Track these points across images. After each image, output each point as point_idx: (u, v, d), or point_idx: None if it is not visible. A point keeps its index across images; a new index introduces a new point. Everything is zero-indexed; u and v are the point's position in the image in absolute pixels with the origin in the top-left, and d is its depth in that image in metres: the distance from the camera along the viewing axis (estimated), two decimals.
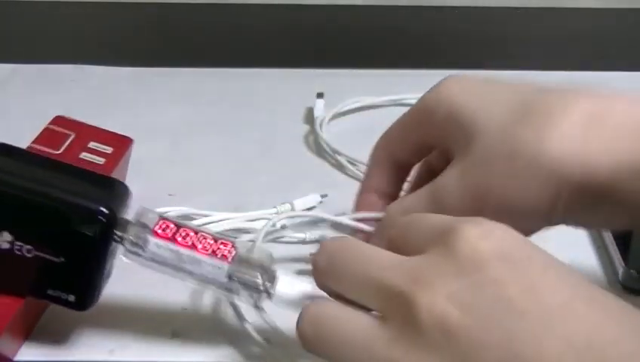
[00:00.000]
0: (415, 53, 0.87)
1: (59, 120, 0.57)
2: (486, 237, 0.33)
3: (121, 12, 0.94)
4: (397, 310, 0.33)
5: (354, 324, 0.35)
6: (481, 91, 0.46)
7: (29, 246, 0.43)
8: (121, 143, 0.58)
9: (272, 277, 0.43)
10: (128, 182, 0.55)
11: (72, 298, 0.44)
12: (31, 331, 0.47)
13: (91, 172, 0.47)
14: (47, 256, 0.43)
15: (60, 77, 0.77)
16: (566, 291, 0.32)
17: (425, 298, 0.32)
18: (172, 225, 0.44)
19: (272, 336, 0.46)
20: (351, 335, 0.35)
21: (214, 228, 0.55)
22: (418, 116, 0.48)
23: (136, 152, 0.59)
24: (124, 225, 0.43)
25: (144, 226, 0.43)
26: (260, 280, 0.43)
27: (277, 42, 0.89)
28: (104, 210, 0.43)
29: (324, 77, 0.78)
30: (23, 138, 0.58)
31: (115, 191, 0.45)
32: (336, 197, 0.59)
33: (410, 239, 0.36)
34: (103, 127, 0.59)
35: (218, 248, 0.43)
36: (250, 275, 0.43)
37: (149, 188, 0.59)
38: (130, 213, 0.44)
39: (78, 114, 0.58)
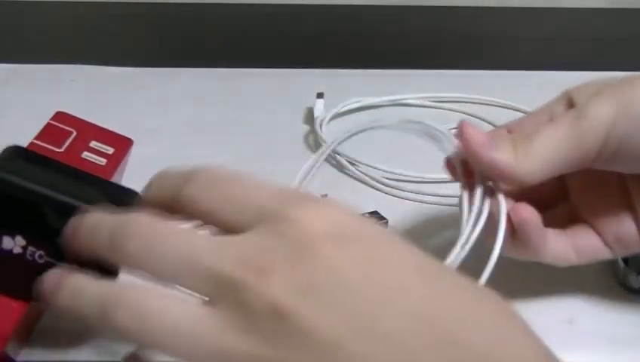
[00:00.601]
0: (415, 53, 0.87)
1: (60, 116, 0.57)
2: (315, 218, 0.32)
3: (122, 12, 0.94)
4: (227, 295, 0.32)
5: (180, 312, 0.32)
6: None
7: (41, 252, 0.43)
8: (122, 144, 0.58)
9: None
10: (128, 182, 0.55)
11: None
12: (32, 332, 0.47)
13: (107, 181, 0.46)
14: (60, 263, 0.42)
15: (59, 77, 0.77)
16: (399, 265, 0.32)
17: (256, 283, 0.31)
18: None
19: None
20: (178, 325, 0.32)
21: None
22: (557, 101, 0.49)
23: (136, 152, 0.59)
24: None
25: None
26: None
27: (277, 42, 0.89)
28: None
29: (324, 77, 0.78)
30: (22, 138, 0.58)
31: (131, 201, 0.44)
32: (336, 197, 0.59)
33: (229, 212, 0.34)
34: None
35: None
36: None
37: None
38: None
39: (77, 114, 0.58)
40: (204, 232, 0.34)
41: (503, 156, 0.44)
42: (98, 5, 0.94)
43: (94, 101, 0.73)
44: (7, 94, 0.75)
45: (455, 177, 0.47)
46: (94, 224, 0.37)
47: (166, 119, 0.71)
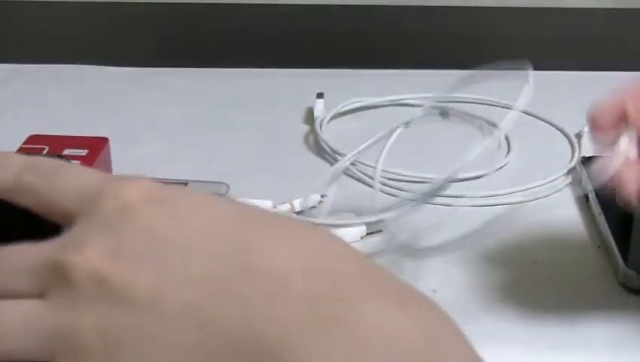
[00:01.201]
0: (415, 53, 0.87)
1: (33, 138, 0.59)
2: (130, 188, 0.33)
3: (122, 12, 0.94)
4: (53, 280, 0.32)
5: (15, 314, 0.32)
6: None
7: None
8: (96, 144, 0.59)
9: None
10: None
11: None
12: None
13: None
14: None
15: (59, 77, 0.77)
16: (215, 215, 0.33)
17: (76, 257, 0.32)
18: None
19: None
20: (17, 326, 0.32)
21: None
22: None
23: (136, 152, 0.59)
24: None
25: None
26: None
27: (277, 42, 0.89)
28: None
29: (324, 77, 0.78)
30: (22, 138, 0.58)
31: None
32: (336, 197, 0.59)
33: (63, 199, 0.34)
34: (103, 128, 0.59)
35: None
36: None
37: None
38: None
39: (77, 113, 0.59)
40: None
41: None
42: (98, 5, 0.94)
43: (94, 101, 0.73)
44: (7, 94, 0.75)
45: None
46: None
47: (166, 119, 0.71)
